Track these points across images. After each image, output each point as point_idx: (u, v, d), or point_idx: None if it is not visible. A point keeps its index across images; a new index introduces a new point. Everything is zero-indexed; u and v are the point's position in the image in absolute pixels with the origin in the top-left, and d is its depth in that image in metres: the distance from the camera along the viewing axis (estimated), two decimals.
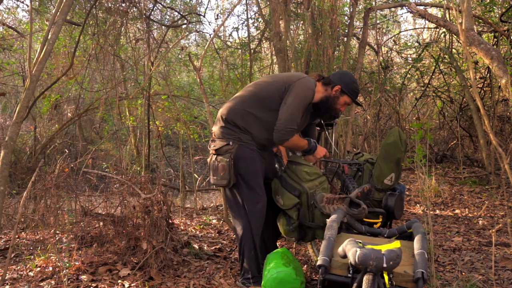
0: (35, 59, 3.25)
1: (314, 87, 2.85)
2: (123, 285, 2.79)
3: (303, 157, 3.08)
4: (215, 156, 2.84)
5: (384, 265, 1.83)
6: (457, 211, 4.70)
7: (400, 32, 8.08)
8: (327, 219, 2.47)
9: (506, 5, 5.68)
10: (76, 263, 2.97)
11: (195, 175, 5.92)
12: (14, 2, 12.96)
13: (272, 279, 2.46)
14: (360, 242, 2.02)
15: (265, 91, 2.86)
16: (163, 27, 6.35)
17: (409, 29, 9.89)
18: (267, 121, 2.82)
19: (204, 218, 4.67)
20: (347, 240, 2.01)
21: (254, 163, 2.83)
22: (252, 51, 5.51)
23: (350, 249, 1.93)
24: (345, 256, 1.99)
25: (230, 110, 2.86)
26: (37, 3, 6.02)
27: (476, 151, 6.88)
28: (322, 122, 3.36)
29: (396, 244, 2.02)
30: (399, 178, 3.00)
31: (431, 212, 4.63)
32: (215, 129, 2.92)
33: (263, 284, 2.50)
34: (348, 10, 5.83)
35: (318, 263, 2.09)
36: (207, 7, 20.38)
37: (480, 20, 5.84)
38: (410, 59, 7.09)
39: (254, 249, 2.82)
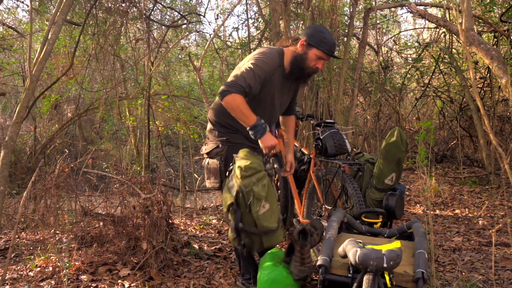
0: (35, 59, 3.25)
1: (275, 55, 2.63)
2: (123, 285, 2.79)
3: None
4: (207, 159, 2.80)
5: (385, 265, 1.83)
6: (457, 211, 4.70)
7: (400, 32, 8.09)
8: (271, 224, 2.38)
9: (506, 5, 5.68)
10: (76, 263, 2.97)
11: (195, 175, 5.92)
12: (14, 2, 12.96)
13: (264, 281, 2.44)
14: (360, 242, 2.02)
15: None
16: (163, 27, 6.35)
17: (409, 29, 9.89)
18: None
19: (204, 218, 4.67)
20: (348, 240, 2.01)
21: None
22: (252, 51, 5.51)
23: (350, 249, 1.93)
24: (345, 256, 1.99)
25: (213, 110, 2.80)
26: (37, 3, 6.02)
27: (476, 151, 6.88)
28: (320, 120, 3.36)
29: (396, 244, 2.02)
30: (399, 178, 3.01)
31: (431, 212, 4.63)
32: (206, 131, 2.88)
33: (258, 287, 2.49)
34: (348, 10, 5.83)
35: (318, 263, 2.09)
36: (207, 7, 20.40)
37: (480, 20, 5.84)
38: (410, 59, 7.10)
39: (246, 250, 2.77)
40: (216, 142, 2.76)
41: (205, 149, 2.81)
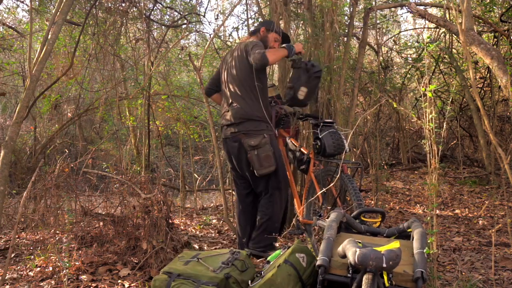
0: (35, 59, 3.25)
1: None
2: (123, 285, 2.79)
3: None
4: (256, 150, 3.22)
5: (384, 265, 1.83)
6: (457, 211, 4.70)
7: (400, 32, 8.07)
8: None
9: (506, 5, 5.67)
10: (76, 263, 2.97)
11: (195, 175, 5.92)
12: (14, 2, 12.96)
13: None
14: (359, 242, 2.02)
15: (239, 72, 3.33)
16: (163, 27, 6.34)
17: (409, 29, 9.89)
18: (253, 97, 3.30)
19: (204, 218, 4.67)
20: (347, 240, 2.02)
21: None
22: None
23: (349, 249, 1.93)
24: (344, 256, 1.99)
25: (249, 108, 3.32)
26: (37, 3, 6.01)
27: (476, 151, 6.87)
28: (320, 120, 3.36)
29: (395, 244, 2.02)
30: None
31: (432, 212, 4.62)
32: (249, 128, 3.32)
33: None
34: (348, 10, 5.82)
35: (318, 263, 2.09)
36: (207, 7, 20.40)
37: (480, 20, 5.83)
38: (410, 59, 7.09)
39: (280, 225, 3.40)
40: (261, 133, 3.25)
41: (253, 142, 3.21)
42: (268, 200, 3.33)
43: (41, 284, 2.81)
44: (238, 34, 9.42)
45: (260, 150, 3.20)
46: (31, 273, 2.96)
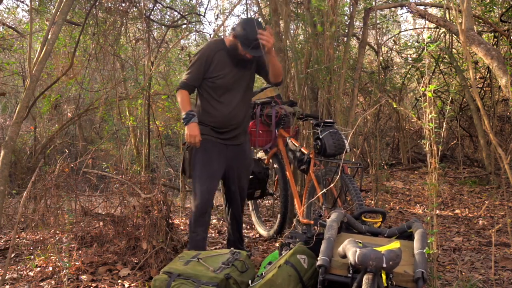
0: (35, 59, 3.25)
1: (210, 45, 3.07)
2: (123, 285, 2.79)
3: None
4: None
5: (384, 265, 1.83)
6: (457, 211, 4.70)
7: (400, 32, 8.07)
8: None
9: (506, 5, 5.67)
10: (76, 263, 2.97)
11: None
12: (14, 2, 12.95)
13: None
14: (360, 242, 2.02)
15: None
16: (163, 27, 6.35)
17: (409, 29, 9.88)
18: (201, 102, 3.12)
19: None
20: (347, 240, 2.02)
21: (207, 153, 3.06)
22: None
23: (350, 249, 1.94)
24: (345, 256, 1.99)
25: None
26: (37, 3, 6.01)
27: (476, 151, 6.87)
28: (320, 120, 3.36)
29: (396, 244, 2.02)
30: None
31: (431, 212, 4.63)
32: None
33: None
34: (348, 10, 5.82)
35: (318, 263, 2.09)
36: (207, 7, 20.43)
37: (480, 20, 5.83)
38: (410, 59, 7.08)
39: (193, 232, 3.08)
40: None
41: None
42: None
43: (41, 284, 2.81)
44: None
45: (184, 154, 3.16)
46: (31, 273, 2.96)
